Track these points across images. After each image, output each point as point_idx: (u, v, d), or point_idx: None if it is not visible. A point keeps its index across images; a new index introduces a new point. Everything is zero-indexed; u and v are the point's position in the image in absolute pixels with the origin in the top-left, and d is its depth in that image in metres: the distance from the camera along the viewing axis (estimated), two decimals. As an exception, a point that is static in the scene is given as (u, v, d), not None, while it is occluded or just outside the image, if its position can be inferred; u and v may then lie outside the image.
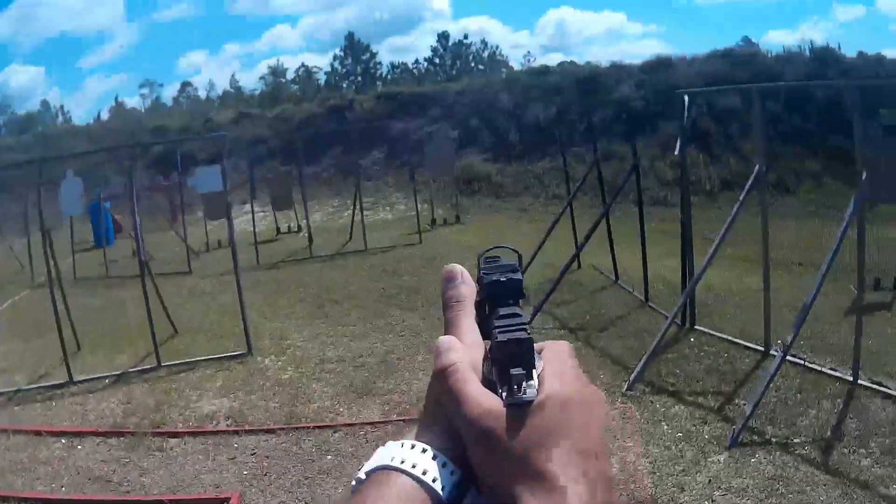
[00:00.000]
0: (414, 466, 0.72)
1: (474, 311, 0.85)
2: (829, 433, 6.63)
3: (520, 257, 0.88)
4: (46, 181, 22.29)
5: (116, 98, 66.11)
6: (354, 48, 65.32)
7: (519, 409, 0.71)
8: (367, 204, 23.36)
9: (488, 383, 0.75)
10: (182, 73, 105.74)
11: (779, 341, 8.09)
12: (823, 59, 25.74)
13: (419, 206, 19.40)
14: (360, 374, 9.28)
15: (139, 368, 10.30)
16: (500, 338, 0.74)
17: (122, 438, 7.96)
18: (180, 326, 11.97)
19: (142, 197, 23.81)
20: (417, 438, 0.76)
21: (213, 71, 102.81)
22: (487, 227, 19.66)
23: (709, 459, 6.39)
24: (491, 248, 0.90)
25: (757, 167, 8.59)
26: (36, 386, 10.18)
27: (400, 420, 7.68)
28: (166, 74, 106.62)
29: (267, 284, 15.03)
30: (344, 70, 65.44)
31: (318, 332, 11.22)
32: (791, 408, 7.16)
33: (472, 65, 65.66)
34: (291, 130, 27.93)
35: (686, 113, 9.84)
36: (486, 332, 0.82)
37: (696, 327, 9.66)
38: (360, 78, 63.42)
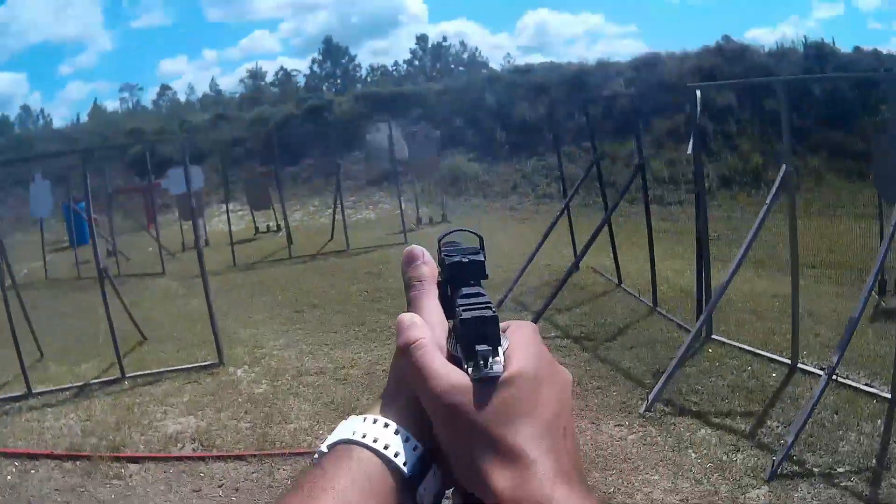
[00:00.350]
0: (375, 441, 0.72)
1: (437, 291, 0.83)
2: (873, 461, 5.83)
3: (481, 240, 0.87)
4: (14, 183, 21.48)
5: (95, 101, 65.49)
6: (333, 51, 64.98)
7: (486, 384, 0.70)
8: (349, 203, 22.77)
9: (453, 360, 0.74)
10: (162, 77, 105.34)
11: (824, 364, 7.23)
12: (819, 53, 25.05)
13: (403, 205, 18.50)
14: (343, 388, 8.41)
15: (102, 380, 9.53)
16: (465, 315, 0.74)
17: (78, 463, 7.18)
18: (149, 333, 11.22)
19: (116, 198, 23.42)
20: (380, 414, 0.76)
21: (193, 75, 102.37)
22: (476, 228, 18.69)
23: (747, 495, 5.53)
24: (451, 231, 0.89)
25: (784, 167, 7.71)
26: None
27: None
28: (146, 79, 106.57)
29: (243, 287, 14.20)
30: (323, 73, 65.06)
31: (297, 339, 10.34)
32: (829, 431, 6.33)
33: (452, 66, 65.33)
34: (269, 131, 27.22)
35: (698, 108, 9.04)
36: (448, 313, 0.81)
37: (714, 337, 8.72)
38: (339, 80, 62.97)
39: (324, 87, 57.69)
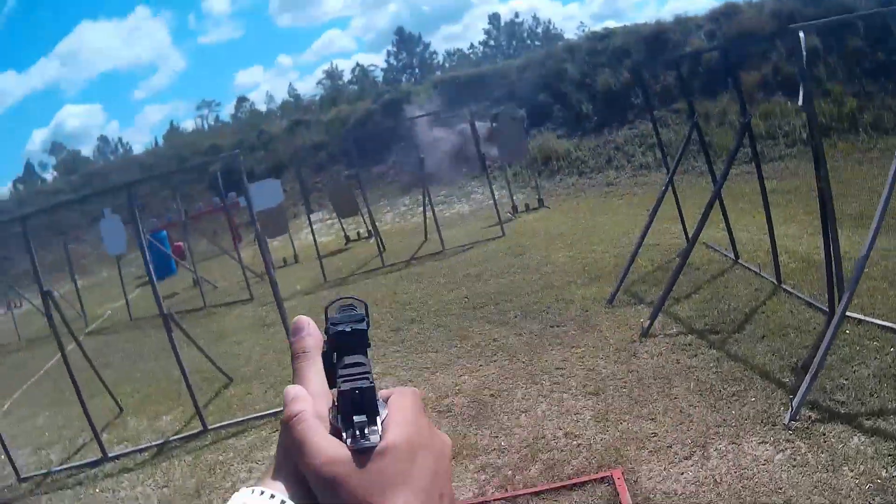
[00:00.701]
0: None
1: (321, 361, 0.84)
2: None
3: (366, 307, 0.87)
4: (93, 220, 20.82)
5: (171, 123, 65.99)
6: (406, 42, 64.48)
7: (362, 455, 0.72)
8: (440, 198, 21.57)
9: (336, 432, 0.75)
10: (240, 90, 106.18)
11: None
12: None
13: (496, 193, 17.16)
14: (447, 422, 7.15)
15: (182, 435, 8.56)
16: (344, 387, 0.75)
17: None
18: (235, 371, 10.38)
19: (195, 222, 22.78)
20: (269, 483, 0.75)
21: (270, 83, 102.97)
22: (576, 210, 17.41)
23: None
24: (339, 299, 0.90)
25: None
26: (66, 467, 8.69)
27: (501, 499, 5.55)
28: (224, 94, 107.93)
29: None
30: (400, 64, 64.47)
31: (394, 363, 9.14)
32: None
33: (528, 42, 64.20)
34: (348, 132, 26.21)
35: (804, 52, 7.53)
36: (333, 382, 0.82)
37: (848, 314, 7.06)
38: (417, 70, 62.28)
39: (403, 79, 56.96)
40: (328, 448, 0.73)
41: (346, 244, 20.32)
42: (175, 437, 8.56)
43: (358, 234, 20.76)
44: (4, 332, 20.02)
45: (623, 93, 24.38)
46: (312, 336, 0.86)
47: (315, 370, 0.83)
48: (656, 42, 25.80)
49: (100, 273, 27.35)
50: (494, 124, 19.98)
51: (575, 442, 6.10)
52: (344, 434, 0.73)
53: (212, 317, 14.76)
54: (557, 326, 9.00)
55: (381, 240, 16.97)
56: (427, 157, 17.96)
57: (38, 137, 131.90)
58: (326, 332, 0.85)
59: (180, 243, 20.71)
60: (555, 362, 7.90)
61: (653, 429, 6.01)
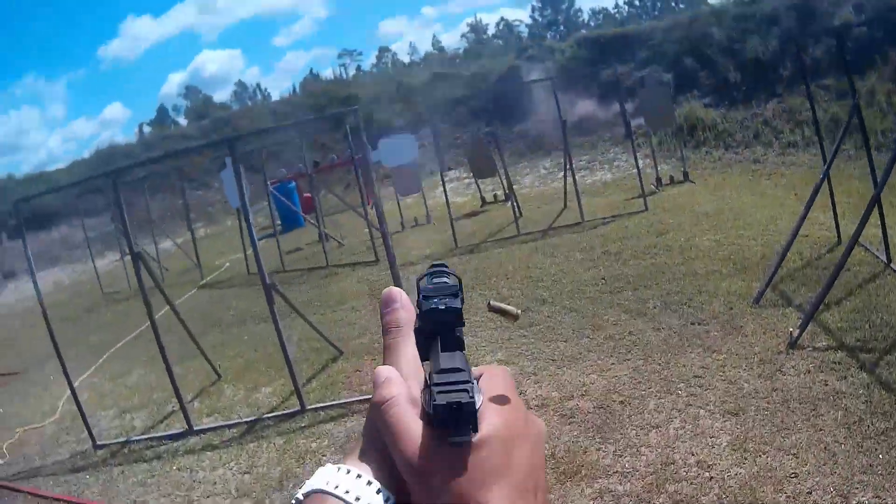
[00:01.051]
0: (347, 492, 0.70)
1: (413, 337, 0.81)
2: None
3: (459, 281, 0.83)
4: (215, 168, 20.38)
5: (311, 71, 66.23)
6: (551, -3, 63.47)
7: (458, 447, 0.68)
8: (582, 163, 20.31)
9: (426, 417, 0.71)
10: (383, 40, 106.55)
11: None
12: None
13: (640, 163, 15.79)
14: (568, 431, 6.05)
15: (277, 413, 7.72)
16: (439, 399, 0.68)
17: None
18: (347, 344, 9.46)
19: (327, 173, 22.18)
20: (356, 463, 0.73)
21: (414, 34, 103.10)
22: (722, 188, 15.84)
23: None
24: (431, 269, 0.86)
25: None
26: (147, 437, 7.92)
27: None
28: (366, 43, 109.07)
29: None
30: (545, 21, 63.41)
31: (518, 351, 8.06)
32: None
33: (673, 4, 62.60)
34: (489, 88, 25.14)
35: None
36: (424, 356, 0.79)
37: None
38: (562, 27, 61.20)
39: (547, 36, 55.89)
40: (422, 438, 0.69)
41: (481, 206, 19.21)
42: (269, 414, 7.80)
43: (494, 196, 19.58)
44: (117, 278, 19.83)
45: (771, 63, 22.64)
46: (405, 309, 0.82)
47: (408, 347, 0.79)
48: (805, 11, 23.73)
49: (224, 222, 27.11)
50: (641, 88, 18.63)
51: (707, 474, 5.06)
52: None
53: (332, 278, 13.94)
54: (699, 324, 7.76)
55: (517, 204, 15.84)
56: (569, 119, 16.75)
57: (175, 80, 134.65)
58: (419, 305, 0.80)
59: (309, 195, 20.00)
60: (693, 369, 6.73)
61: (794, 467, 4.94)
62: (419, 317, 0.80)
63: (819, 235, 9.73)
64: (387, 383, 0.74)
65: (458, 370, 0.72)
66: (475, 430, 0.68)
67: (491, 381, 0.75)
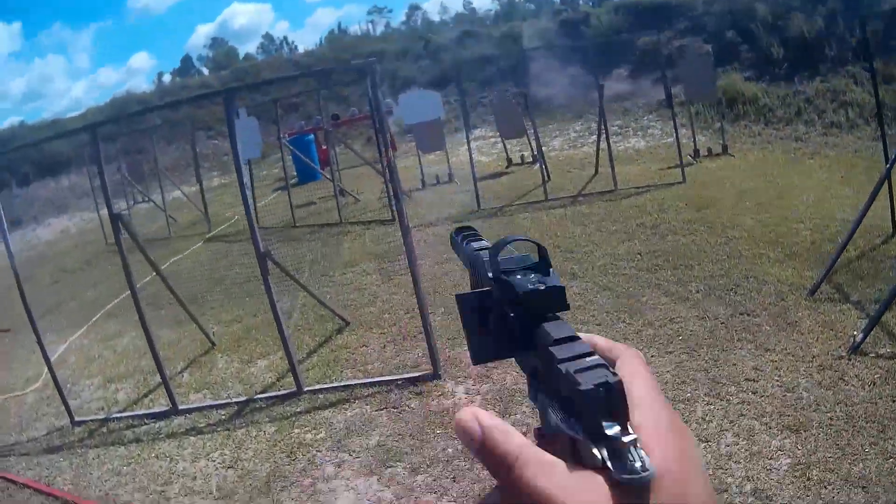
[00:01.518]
0: None
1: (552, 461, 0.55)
2: None
3: (543, 251, 0.68)
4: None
5: (339, 26, 65.47)
6: (588, -40, 62.12)
7: (631, 491, 0.49)
8: (614, 128, 19.28)
9: (553, 446, 0.55)
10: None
11: None
12: None
13: (678, 132, 14.80)
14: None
15: (271, 394, 6.85)
16: (584, 384, 0.51)
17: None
18: (355, 313, 8.63)
19: (348, 126, 21.44)
20: None
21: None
22: (763, 164, 14.84)
23: None
24: (506, 240, 0.70)
25: None
26: (127, 414, 7.09)
27: None
28: (396, 1, 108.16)
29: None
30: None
31: (545, 338, 7.12)
32: None
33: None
34: (521, 49, 24.34)
35: None
36: (509, 353, 0.64)
37: None
38: (598, -8, 60.06)
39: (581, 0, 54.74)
40: (579, 490, 0.50)
41: (507, 167, 18.32)
42: (262, 395, 6.90)
43: (521, 157, 18.69)
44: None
45: (816, 42, 21.51)
46: (500, 429, 0.54)
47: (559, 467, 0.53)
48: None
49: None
50: (680, 58, 17.71)
51: (764, 508, 4.21)
52: (585, 451, 0.51)
53: (345, 236, 13.06)
54: (748, 315, 6.80)
55: (546, 167, 14.94)
56: (604, 83, 15.86)
57: (203, 32, 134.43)
58: (495, 279, 0.66)
59: (326, 148, 19.18)
60: (745, 370, 5.79)
61: (863, 502, 4.08)
62: (518, 300, 0.61)
63: (873, 224, 8.70)
64: (505, 437, 0.52)
65: (576, 338, 0.57)
66: (628, 418, 0.51)
67: (634, 377, 0.56)
